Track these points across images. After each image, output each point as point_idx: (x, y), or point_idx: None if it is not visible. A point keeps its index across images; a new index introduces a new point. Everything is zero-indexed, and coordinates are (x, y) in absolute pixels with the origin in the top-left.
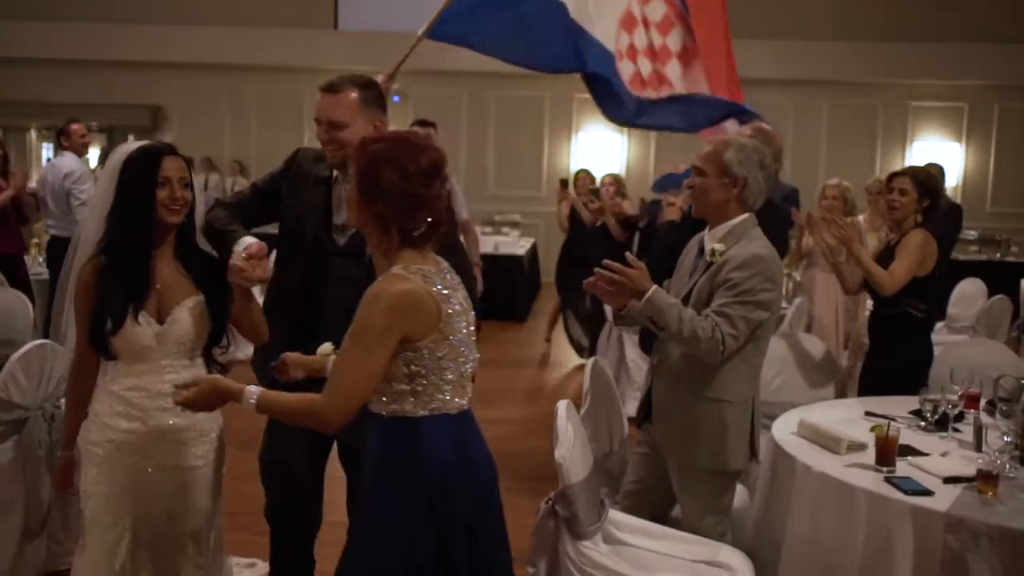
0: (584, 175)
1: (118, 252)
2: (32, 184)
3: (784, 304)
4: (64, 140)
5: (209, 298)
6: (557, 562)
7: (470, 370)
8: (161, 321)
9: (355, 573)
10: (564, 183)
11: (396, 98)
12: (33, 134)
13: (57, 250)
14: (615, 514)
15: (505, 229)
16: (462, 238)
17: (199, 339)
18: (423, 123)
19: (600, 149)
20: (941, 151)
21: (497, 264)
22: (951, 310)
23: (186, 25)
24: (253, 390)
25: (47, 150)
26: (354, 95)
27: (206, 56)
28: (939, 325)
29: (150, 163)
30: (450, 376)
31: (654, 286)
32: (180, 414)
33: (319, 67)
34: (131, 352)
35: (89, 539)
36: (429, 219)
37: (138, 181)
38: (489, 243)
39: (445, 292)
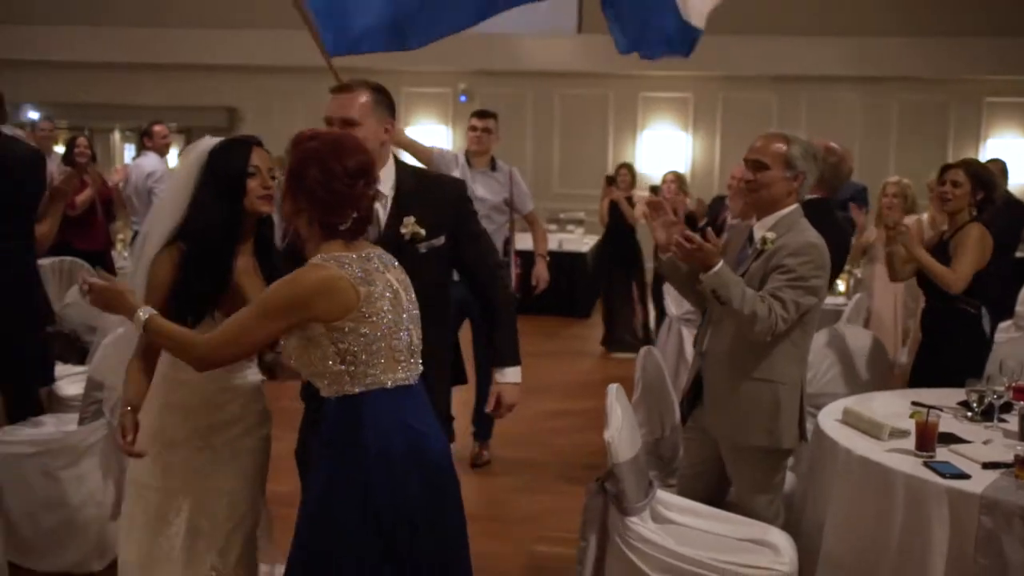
0: (625, 170)
1: (203, 242)
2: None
3: (844, 299)
4: (147, 141)
5: None
6: (606, 536)
7: (403, 346)
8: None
9: (299, 554)
10: (610, 179)
11: (463, 98)
12: (117, 135)
13: None
14: (663, 494)
15: (570, 227)
16: (529, 231)
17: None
18: (483, 114)
19: (665, 147)
20: (1018, 148)
21: (561, 261)
22: (1018, 308)
23: (260, 29)
24: (147, 310)
25: (129, 150)
26: (366, 96)
27: (280, 59)
28: (1005, 324)
29: (241, 153)
30: (380, 352)
31: (722, 262)
32: (241, 406)
33: (388, 68)
34: None
35: (146, 532)
36: (355, 215)
37: (229, 170)
38: (553, 240)
39: (360, 275)
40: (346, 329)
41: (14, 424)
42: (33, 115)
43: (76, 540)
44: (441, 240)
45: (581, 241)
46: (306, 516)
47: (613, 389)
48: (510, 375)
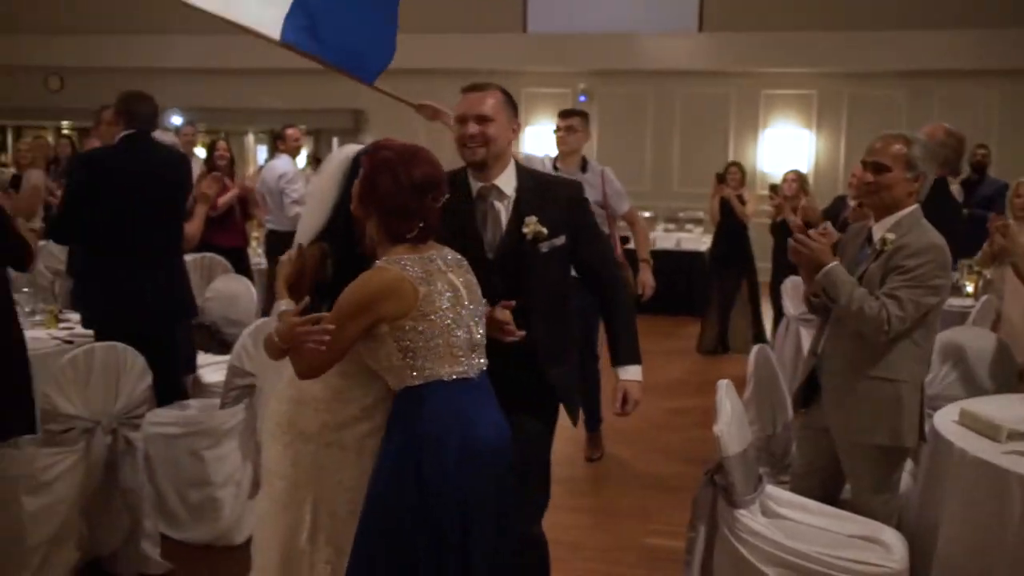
0: (735, 168)
1: (346, 243)
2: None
3: (971, 301)
4: (280, 144)
5: None
6: (715, 528)
7: (462, 342)
8: None
9: (360, 539)
10: (720, 177)
11: (583, 97)
12: (251, 137)
13: (273, 242)
14: (774, 489)
15: (689, 226)
16: (631, 232)
17: None
18: (566, 113)
19: (787, 145)
20: None
21: (679, 260)
22: None
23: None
24: (286, 302)
25: (261, 152)
26: (498, 95)
27: (403, 62)
28: None
29: None
30: (438, 347)
31: (835, 261)
32: (369, 405)
33: (509, 69)
34: None
35: (272, 518)
36: (420, 224)
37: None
38: (671, 239)
39: (421, 275)
40: (407, 327)
41: (162, 407)
42: (176, 120)
43: (217, 515)
44: (562, 239)
45: (700, 240)
46: (367, 500)
47: (723, 385)
48: (632, 373)
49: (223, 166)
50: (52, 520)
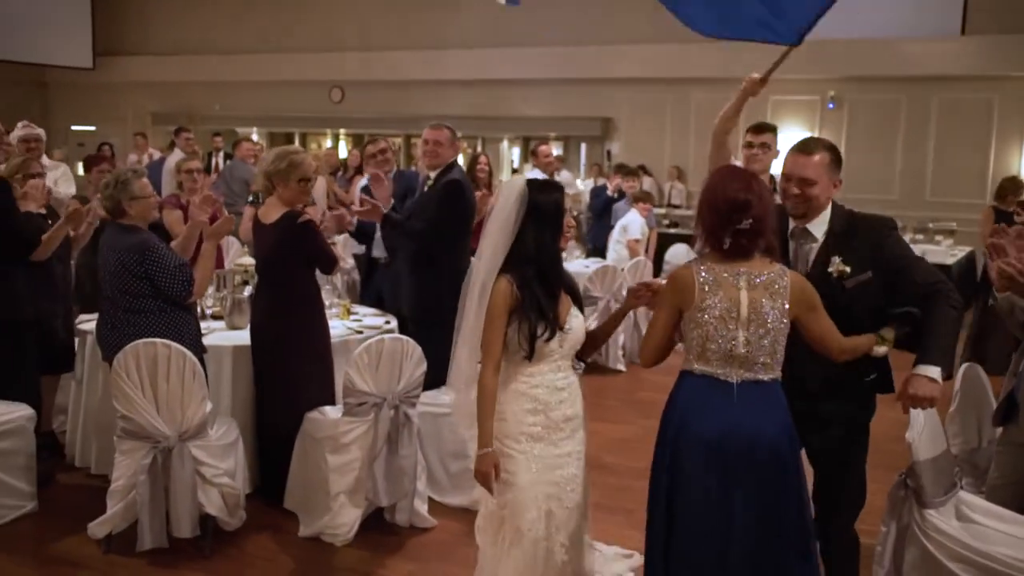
0: (1008, 183)
1: (544, 267)
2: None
3: None
4: (533, 159)
5: (579, 308)
6: (905, 524)
7: (721, 351)
8: (561, 327)
9: None
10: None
11: (831, 104)
12: (505, 143)
13: None
14: (969, 497)
15: (938, 237)
16: None
17: (580, 343)
18: (759, 128)
19: None
20: None
21: None
22: None
23: (635, 44)
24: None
25: (515, 154)
26: (823, 156)
27: (659, 71)
28: None
29: (558, 206)
30: (700, 347)
31: None
32: (572, 404)
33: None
34: (542, 354)
35: (509, 528)
36: (728, 240)
37: (551, 213)
38: (917, 251)
39: (710, 282)
40: (687, 318)
41: (429, 390)
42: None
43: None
44: (868, 275)
45: (947, 253)
46: None
47: None
48: (924, 370)
49: (483, 179)
50: (348, 474)
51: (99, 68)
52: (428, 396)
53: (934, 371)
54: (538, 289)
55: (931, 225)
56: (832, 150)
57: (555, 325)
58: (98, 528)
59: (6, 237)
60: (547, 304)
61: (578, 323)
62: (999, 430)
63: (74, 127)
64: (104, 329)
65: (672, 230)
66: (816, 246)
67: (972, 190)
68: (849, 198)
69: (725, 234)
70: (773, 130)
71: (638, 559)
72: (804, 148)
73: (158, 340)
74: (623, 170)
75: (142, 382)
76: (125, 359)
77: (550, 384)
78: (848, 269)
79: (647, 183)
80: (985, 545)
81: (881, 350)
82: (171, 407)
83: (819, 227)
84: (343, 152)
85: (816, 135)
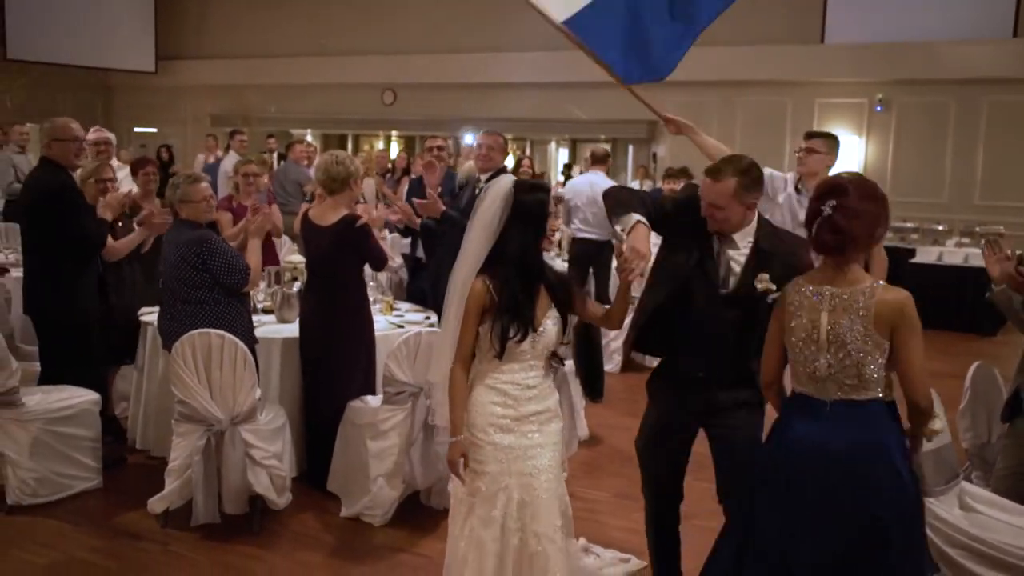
0: None
1: (525, 268)
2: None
3: None
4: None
5: (560, 312)
6: None
7: (807, 370)
8: (535, 329)
9: None
10: None
11: (879, 107)
12: (552, 145)
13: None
14: (973, 488)
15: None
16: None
17: (555, 345)
18: (809, 135)
19: None
20: None
21: (966, 275)
22: None
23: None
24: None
25: (563, 155)
26: (732, 183)
27: (703, 74)
28: None
29: (543, 207)
30: (794, 364)
31: None
32: (542, 401)
33: (804, 80)
34: (513, 354)
35: (478, 516)
36: (816, 229)
37: (535, 214)
38: (959, 255)
39: (796, 302)
40: (785, 340)
41: None
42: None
43: None
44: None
45: None
46: None
47: None
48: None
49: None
50: (387, 459)
51: (161, 72)
52: None
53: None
54: (516, 290)
55: (978, 229)
56: (744, 174)
57: (528, 327)
58: (156, 504)
59: (75, 240)
60: (523, 305)
61: (554, 325)
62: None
63: (136, 129)
64: (164, 320)
65: None
66: (740, 256)
67: (1022, 194)
68: (898, 201)
69: (812, 224)
70: (822, 136)
71: (635, 563)
72: (713, 173)
73: (212, 331)
74: (669, 173)
75: (197, 369)
76: (182, 348)
77: (520, 382)
78: (775, 287)
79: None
80: (985, 533)
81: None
82: (224, 393)
83: (742, 238)
84: (393, 154)
85: (863, 139)
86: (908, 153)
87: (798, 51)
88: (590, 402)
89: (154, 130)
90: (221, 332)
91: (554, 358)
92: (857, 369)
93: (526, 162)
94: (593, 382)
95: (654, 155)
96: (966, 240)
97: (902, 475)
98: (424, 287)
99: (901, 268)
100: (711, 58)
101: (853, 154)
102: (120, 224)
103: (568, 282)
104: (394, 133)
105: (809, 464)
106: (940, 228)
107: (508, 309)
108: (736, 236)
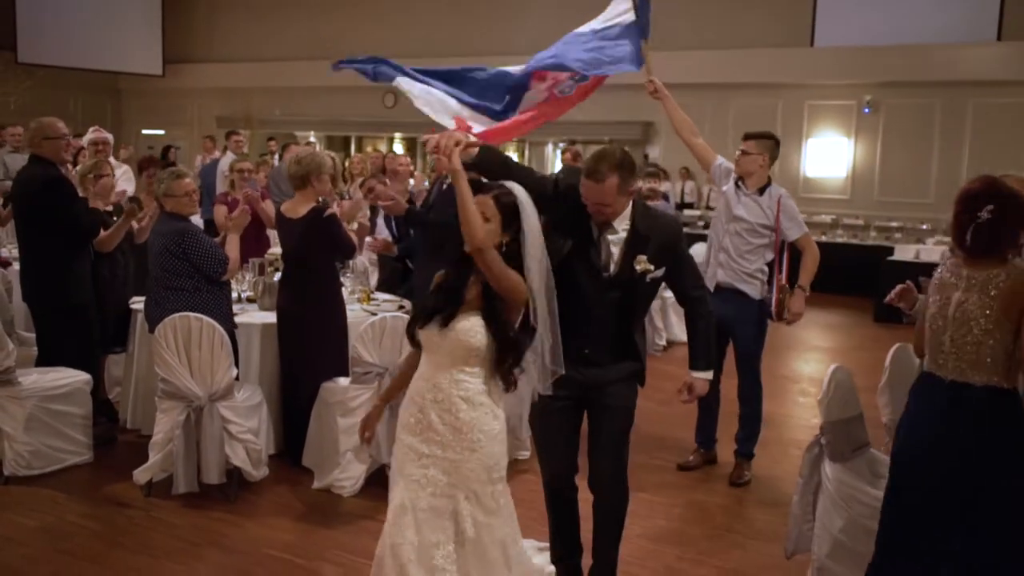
0: None
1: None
2: None
3: None
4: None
5: (486, 320)
6: (817, 474)
7: (932, 349)
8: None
9: None
10: None
11: (866, 109)
12: (550, 147)
13: None
14: (883, 457)
15: None
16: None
17: (468, 351)
18: (744, 137)
19: None
20: None
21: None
22: None
23: (676, 51)
24: None
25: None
26: (613, 180)
27: (697, 76)
28: None
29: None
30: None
31: None
32: (442, 415)
33: (793, 82)
34: (426, 344)
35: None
36: (971, 233)
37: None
38: (936, 252)
39: (939, 281)
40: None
41: None
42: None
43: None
44: (662, 271)
45: None
46: None
47: (832, 368)
48: (701, 375)
49: None
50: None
51: (168, 75)
52: None
53: (707, 375)
54: (432, 277)
55: None
56: (621, 167)
57: (426, 313)
58: (141, 474)
59: (68, 228)
60: (439, 296)
61: (471, 329)
62: None
63: (144, 131)
64: (150, 306)
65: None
66: (618, 240)
67: None
68: (886, 201)
69: (967, 229)
70: (756, 138)
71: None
72: (593, 174)
73: (192, 314)
74: (649, 172)
75: (178, 350)
76: (164, 330)
77: (428, 377)
78: (652, 267)
79: (689, 187)
80: (874, 489)
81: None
82: (203, 372)
83: (620, 222)
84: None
85: (851, 140)
86: (895, 154)
87: (789, 54)
88: None
89: (161, 132)
90: (199, 315)
91: (507, 376)
92: (977, 351)
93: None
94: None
95: (646, 156)
96: (946, 239)
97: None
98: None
99: (879, 266)
100: (704, 60)
101: (842, 155)
102: (113, 217)
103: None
104: (397, 135)
105: (922, 445)
106: (924, 227)
107: (427, 293)
108: (615, 221)
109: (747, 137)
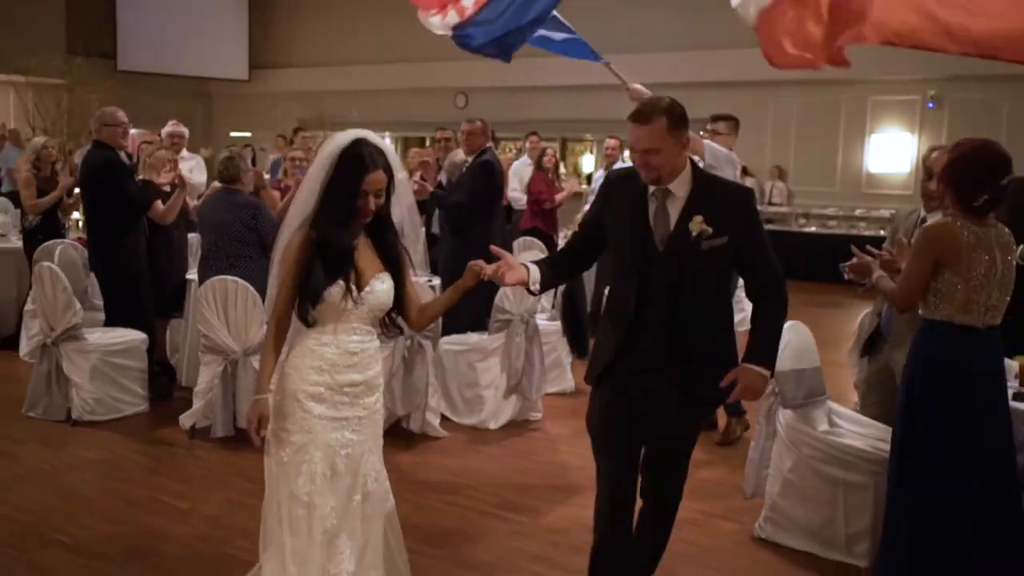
0: None
1: (327, 231)
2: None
3: None
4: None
5: (394, 278)
6: (772, 418)
7: (981, 299)
8: (358, 287)
9: None
10: None
11: (931, 104)
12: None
13: None
14: (840, 408)
15: None
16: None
17: (384, 308)
18: (713, 119)
19: None
20: None
21: None
22: None
23: (738, 48)
24: None
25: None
26: (661, 122)
27: (758, 74)
28: None
29: (358, 174)
30: (956, 297)
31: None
32: (361, 371)
33: (858, 79)
34: (335, 313)
35: (283, 490)
36: (983, 199)
37: (346, 184)
38: None
39: (972, 241)
40: (946, 273)
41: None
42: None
43: (481, 407)
44: (724, 240)
45: None
46: None
47: (787, 325)
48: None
49: (550, 168)
50: None
51: (253, 80)
52: (453, 338)
53: (765, 371)
54: (332, 243)
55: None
56: (671, 111)
57: (345, 282)
58: (186, 419)
59: (121, 203)
60: (339, 260)
61: (384, 287)
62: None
63: (233, 133)
64: (208, 273)
65: (768, 226)
66: (679, 204)
67: None
68: None
69: (983, 191)
70: (724, 119)
71: None
72: (639, 117)
73: (229, 277)
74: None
75: (217, 309)
76: (206, 292)
77: (341, 346)
78: (710, 229)
79: (749, 182)
80: (840, 440)
81: None
82: (238, 329)
83: (680, 187)
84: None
85: (915, 136)
86: None
87: (852, 49)
88: (576, 358)
89: (248, 134)
90: (235, 278)
91: (392, 326)
92: (1004, 299)
93: (550, 151)
94: (579, 340)
95: None
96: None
97: None
98: (437, 259)
99: None
100: (703, 63)
101: (906, 151)
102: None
103: (402, 249)
104: None
105: (990, 382)
106: None
107: (323, 263)
108: (671, 185)
109: (716, 119)
